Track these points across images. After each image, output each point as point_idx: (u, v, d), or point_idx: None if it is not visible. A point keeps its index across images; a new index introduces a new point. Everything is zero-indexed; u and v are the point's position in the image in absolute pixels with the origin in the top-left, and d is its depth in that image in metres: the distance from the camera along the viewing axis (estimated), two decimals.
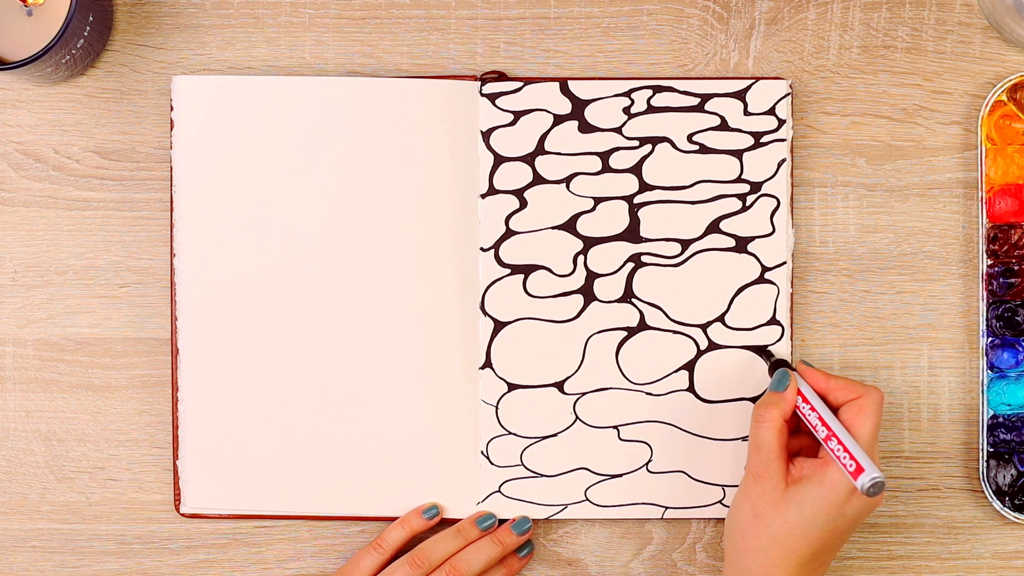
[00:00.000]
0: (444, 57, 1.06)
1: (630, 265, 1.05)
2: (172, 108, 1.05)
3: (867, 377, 1.06)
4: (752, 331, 1.05)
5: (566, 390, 1.05)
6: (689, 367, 1.05)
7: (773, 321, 1.05)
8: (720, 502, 1.05)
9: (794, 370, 1.01)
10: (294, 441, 1.05)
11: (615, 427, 1.05)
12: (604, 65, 1.06)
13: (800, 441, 1.01)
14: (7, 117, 1.07)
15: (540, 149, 1.05)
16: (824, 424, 0.96)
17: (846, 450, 0.94)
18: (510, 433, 1.05)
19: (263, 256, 1.05)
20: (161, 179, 1.07)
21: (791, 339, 1.05)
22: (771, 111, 1.05)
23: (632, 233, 1.05)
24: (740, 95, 1.05)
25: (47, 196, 1.07)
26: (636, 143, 1.05)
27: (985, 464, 1.05)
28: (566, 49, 1.06)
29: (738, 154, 1.05)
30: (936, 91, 1.06)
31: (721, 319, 1.05)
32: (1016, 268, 1.05)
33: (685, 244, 1.05)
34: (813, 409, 0.97)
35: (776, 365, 1.02)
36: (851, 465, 0.93)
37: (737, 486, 1.05)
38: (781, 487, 0.96)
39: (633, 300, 1.05)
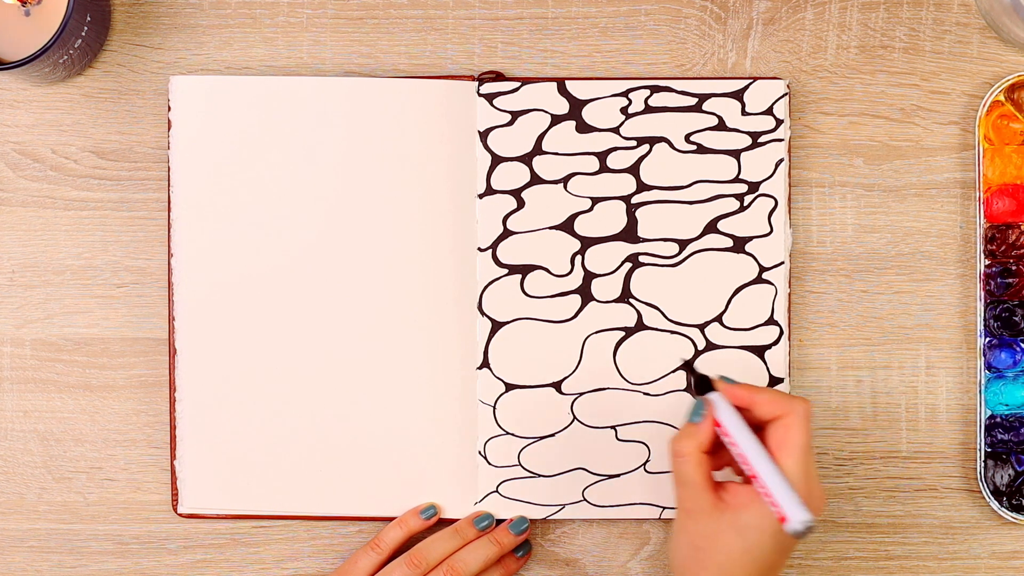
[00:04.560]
0: (442, 57, 1.06)
1: (628, 265, 1.05)
2: (170, 108, 1.05)
3: (865, 377, 1.06)
4: (750, 331, 1.05)
5: (564, 390, 1.05)
6: (687, 367, 1.05)
7: (771, 321, 1.05)
8: None
9: (715, 388, 0.95)
10: (292, 441, 1.05)
11: (613, 427, 1.05)
12: (602, 65, 1.06)
13: (727, 455, 0.96)
14: (5, 117, 1.07)
15: (538, 149, 1.05)
16: (747, 462, 0.92)
17: (768, 494, 0.91)
18: (508, 433, 1.05)
19: (261, 256, 1.05)
20: (159, 179, 1.06)
21: (788, 339, 1.05)
22: (769, 111, 1.05)
23: (630, 233, 1.05)
24: (738, 95, 1.05)
25: (45, 196, 1.07)
26: (634, 143, 1.05)
27: (983, 464, 1.05)
28: (564, 49, 1.06)
29: (736, 154, 1.05)
30: (934, 91, 1.06)
31: (719, 319, 1.05)
32: (1014, 268, 1.05)
33: (683, 244, 1.05)
34: (734, 444, 0.93)
35: (697, 380, 0.96)
36: (776, 510, 0.90)
37: None
38: (715, 517, 0.93)
39: (631, 300, 1.05)
